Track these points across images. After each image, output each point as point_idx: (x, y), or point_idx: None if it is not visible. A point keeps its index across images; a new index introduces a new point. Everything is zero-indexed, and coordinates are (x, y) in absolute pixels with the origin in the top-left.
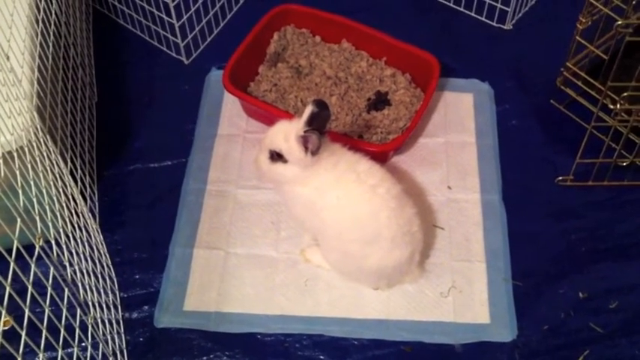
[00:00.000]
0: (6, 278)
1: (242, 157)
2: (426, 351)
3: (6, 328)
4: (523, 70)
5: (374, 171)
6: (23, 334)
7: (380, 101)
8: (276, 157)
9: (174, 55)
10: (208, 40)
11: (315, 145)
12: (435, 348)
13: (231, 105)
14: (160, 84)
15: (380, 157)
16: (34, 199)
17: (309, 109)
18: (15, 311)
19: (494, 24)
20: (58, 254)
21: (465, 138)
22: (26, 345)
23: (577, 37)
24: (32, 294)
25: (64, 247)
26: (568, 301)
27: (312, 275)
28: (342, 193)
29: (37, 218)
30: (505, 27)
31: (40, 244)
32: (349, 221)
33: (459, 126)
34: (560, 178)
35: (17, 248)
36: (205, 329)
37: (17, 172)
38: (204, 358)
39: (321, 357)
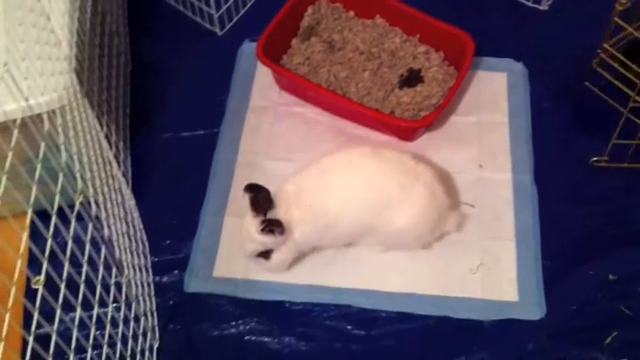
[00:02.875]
0: (44, 236)
1: (273, 129)
2: (452, 326)
3: (39, 286)
4: (558, 51)
5: (331, 158)
6: (63, 286)
7: (412, 78)
8: (266, 253)
9: (207, 26)
10: (242, 12)
11: (280, 230)
12: (462, 324)
13: (263, 77)
14: (193, 54)
15: (410, 133)
16: (75, 157)
17: (246, 197)
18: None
19: (529, 4)
20: (96, 213)
21: (498, 118)
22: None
23: (615, 19)
24: (71, 251)
25: (101, 206)
26: (597, 283)
27: (340, 248)
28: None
29: (78, 175)
30: (541, 7)
31: (80, 199)
32: (355, 203)
33: (491, 105)
34: (595, 158)
35: (58, 206)
36: (234, 295)
37: (60, 130)
38: (233, 323)
39: (348, 327)
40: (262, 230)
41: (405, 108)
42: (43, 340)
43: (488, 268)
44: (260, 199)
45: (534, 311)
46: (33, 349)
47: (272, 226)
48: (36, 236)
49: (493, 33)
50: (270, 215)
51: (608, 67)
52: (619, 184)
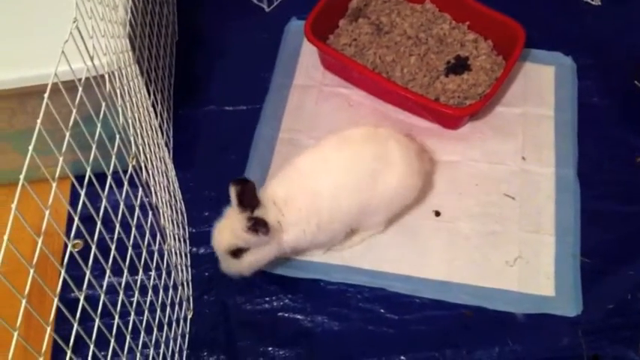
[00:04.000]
0: (95, 198)
1: (316, 109)
2: (486, 317)
3: (77, 249)
4: (608, 47)
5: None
6: (113, 248)
7: (459, 65)
8: (239, 251)
9: (255, 1)
10: None
11: (265, 230)
12: (496, 315)
13: (308, 56)
14: (239, 30)
15: (455, 120)
16: (130, 120)
17: (233, 192)
18: (91, 235)
19: None
20: (146, 180)
21: (544, 111)
22: (97, 266)
23: None
24: (115, 216)
25: (150, 173)
26: (635, 283)
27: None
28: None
29: (132, 139)
30: (593, 3)
31: (134, 163)
32: (345, 194)
33: (537, 98)
34: None
35: (111, 168)
36: (269, 271)
37: (119, 92)
38: (266, 298)
39: (381, 310)
40: (249, 228)
41: (451, 95)
42: (75, 304)
43: (525, 262)
44: (247, 193)
45: (571, 307)
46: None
47: (258, 226)
48: (76, 199)
49: (543, 25)
50: (257, 214)
51: None
52: None
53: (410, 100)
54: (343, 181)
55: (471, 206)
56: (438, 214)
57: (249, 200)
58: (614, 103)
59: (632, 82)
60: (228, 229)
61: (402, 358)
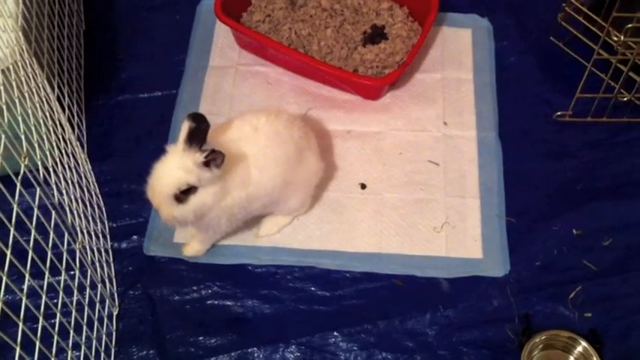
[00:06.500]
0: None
1: (234, 90)
2: (417, 285)
3: None
4: (524, 6)
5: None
6: (8, 252)
7: (376, 35)
8: (185, 193)
9: None
10: None
11: (220, 161)
12: (427, 282)
13: (223, 36)
14: (151, 13)
15: (374, 91)
16: (19, 118)
17: (186, 126)
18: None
19: None
20: (45, 177)
21: (462, 74)
22: (13, 272)
23: None
24: (19, 218)
25: (51, 170)
26: (561, 238)
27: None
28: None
29: (23, 137)
30: None
31: (26, 162)
32: (273, 165)
33: (456, 62)
34: (559, 113)
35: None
36: (196, 260)
37: (2, 89)
38: (194, 288)
39: (312, 288)
40: (206, 159)
41: (369, 66)
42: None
43: (452, 227)
44: (200, 129)
45: (498, 268)
46: None
47: (215, 158)
48: None
49: None
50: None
51: (574, 22)
52: (583, 139)
53: (328, 73)
54: (273, 154)
55: (396, 176)
56: (363, 186)
57: (200, 139)
58: (532, 61)
59: (548, 39)
60: (176, 168)
61: (335, 333)
